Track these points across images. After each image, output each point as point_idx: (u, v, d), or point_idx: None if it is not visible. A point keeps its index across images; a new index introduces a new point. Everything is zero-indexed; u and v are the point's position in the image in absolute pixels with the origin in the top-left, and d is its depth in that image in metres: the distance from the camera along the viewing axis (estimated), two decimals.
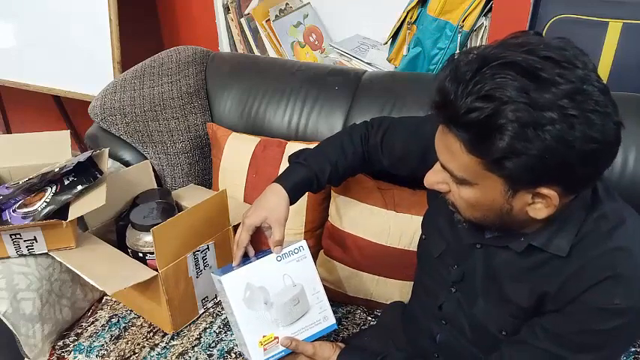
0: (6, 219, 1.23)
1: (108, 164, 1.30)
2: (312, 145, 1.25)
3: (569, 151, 0.67)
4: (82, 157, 1.26)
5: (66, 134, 1.37)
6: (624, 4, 1.40)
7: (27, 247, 1.19)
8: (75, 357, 1.22)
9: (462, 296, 0.94)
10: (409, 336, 1.11)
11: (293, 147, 1.37)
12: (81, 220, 1.29)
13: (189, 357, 1.21)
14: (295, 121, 1.48)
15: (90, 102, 1.53)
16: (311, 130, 1.47)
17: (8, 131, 2.65)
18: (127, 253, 1.28)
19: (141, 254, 1.27)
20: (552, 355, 0.80)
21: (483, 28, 1.58)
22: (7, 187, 1.26)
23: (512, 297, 0.85)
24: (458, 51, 1.57)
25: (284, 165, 1.37)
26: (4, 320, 1.14)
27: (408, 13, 1.65)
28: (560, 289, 0.78)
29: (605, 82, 0.70)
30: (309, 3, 2.03)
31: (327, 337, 1.11)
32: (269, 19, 1.93)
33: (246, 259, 1.04)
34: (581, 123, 0.66)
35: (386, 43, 1.77)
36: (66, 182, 1.23)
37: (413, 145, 1.03)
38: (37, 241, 1.19)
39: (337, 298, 1.32)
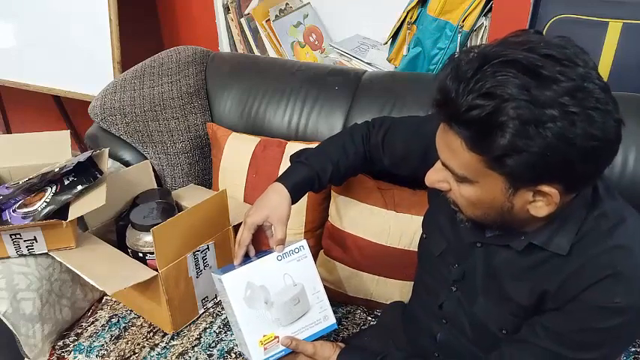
0: (6, 219, 1.23)
1: (108, 164, 1.30)
2: (312, 145, 1.25)
3: (570, 149, 0.67)
4: (82, 157, 1.25)
5: (66, 134, 1.37)
6: (624, 4, 1.40)
7: (27, 247, 1.19)
8: (75, 357, 1.22)
9: (462, 295, 0.94)
10: (409, 336, 1.11)
11: (293, 147, 1.37)
12: (81, 220, 1.29)
13: (189, 357, 1.21)
14: (295, 121, 1.48)
15: (90, 102, 1.53)
16: (311, 130, 1.47)
17: (8, 131, 2.65)
18: (127, 253, 1.28)
19: (141, 254, 1.27)
20: (552, 354, 0.80)
21: (483, 28, 1.58)
22: (7, 187, 1.26)
23: (512, 295, 0.85)
24: (458, 51, 1.57)
25: (284, 165, 1.37)
26: (4, 320, 1.14)
27: (408, 13, 1.65)
28: (560, 288, 0.79)
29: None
30: (309, 3, 2.03)
31: (327, 336, 1.11)
32: (269, 19, 1.94)
33: (246, 258, 1.04)
34: (582, 120, 0.66)
35: (386, 43, 1.77)
36: (66, 182, 1.23)
37: (414, 144, 1.03)
38: (37, 241, 1.19)
39: (337, 298, 1.32)
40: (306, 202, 1.35)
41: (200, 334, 1.26)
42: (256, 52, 1.98)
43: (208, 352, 1.22)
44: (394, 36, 1.72)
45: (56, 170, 1.22)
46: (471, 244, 0.90)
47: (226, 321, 1.28)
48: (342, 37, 1.99)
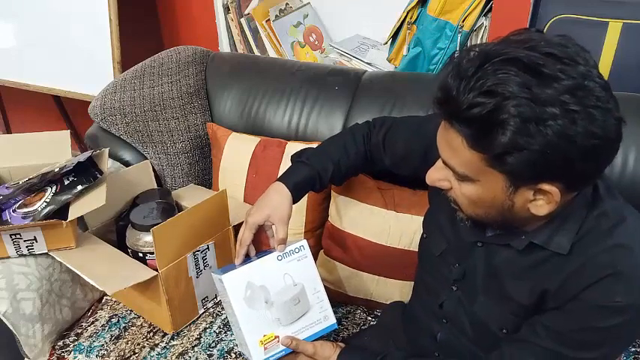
0: (6, 219, 1.23)
1: (108, 164, 1.30)
2: (312, 145, 1.25)
3: (570, 147, 0.67)
4: (82, 157, 1.25)
5: (66, 134, 1.37)
6: (624, 4, 1.40)
7: (27, 247, 1.19)
8: (75, 357, 1.22)
9: (462, 294, 0.94)
10: (409, 336, 1.11)
11: (293, 147, 1.37)
12: (81, 220, 1.29)
13: (189, 357, 1.21)
14: (295, 121, 1.48)
15: (90, 102, 1.53)
16: (311, 130, 1.47)
17: (8, 131, 2.65)
18: (127, 253, 1.28)
19: (141, 254, 1.27)
20: (553, 353, 0.81)
21: (483, 28, 1.59)
22: (7, 187, 1.26)
23: (513, 295, 0.85)
24: (458, 51, 1.57)
25: (284, 165, 1.37)
26: (4, 320, 1.14)
27: (408, 13, 1.65)
28: (560, 287, 0.79)
29: None
30: (309, 3, 2.03)
31: (327, 336, 1.11)
32: (269, 19, 1.94)
33: (246, 258, 1.04)
34: (582, 118, 0.66)
35: (386, 43, 1.77)
36: (66, 182, 1.23)
37: (415, 144, 1.03)
38: (37, 241, 1.19)
39: (337, 298, 1.32)
40: (306, 202, 1.35)
41: (200, 334, 1.26)
42: (256, 52, 1.98)
43: (208, 352, 1.22)
44: (394, 36, 1.72)
45: (56, 170, 1.22)
46: (471, 244, 0.90)
47: (226, 321, 1.28)
48: (342, 37, 1.99)
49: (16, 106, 2.58)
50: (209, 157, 1.57)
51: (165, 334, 1.26)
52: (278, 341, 1.00)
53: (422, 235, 1.05)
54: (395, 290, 1.28)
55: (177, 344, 1.24)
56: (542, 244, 0.80)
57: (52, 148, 1.33)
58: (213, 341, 1.24)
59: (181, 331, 1.27)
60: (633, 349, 1.16)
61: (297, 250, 1.04)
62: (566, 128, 0.66)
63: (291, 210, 1.06)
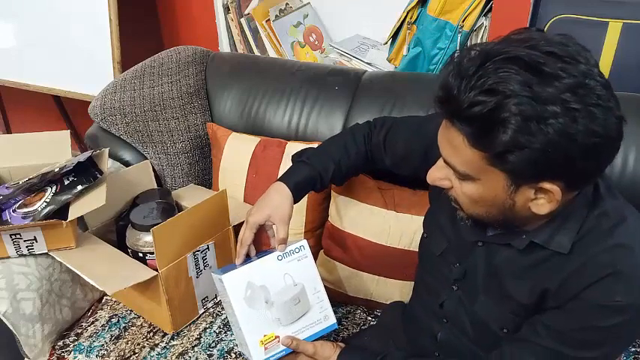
0: (6, 219, 1.23)
1: (108, 164, 1.30)
2: (313, 145, 1.25)
3: (571, 145, 0.67)
4: (82, 157, 1.25)
5: (66, 134, 1.37)
6: (624, 4, 1.40)
7: (27, 247, 1.19)
8: (75, 357, 1.22)
9: (463, 294, 0.94)
10: (409, 335, 1.11)
11: (293, 147, 1.37)
12: (81, 220, 1.29)
13: (189, 357, 1.21)
14: (295, 121, 1.48)
15: (90, 102, 1.53)
16: (311, 130, 1.47)
17: (8, 131, 2.65)
18: (127, 253, 1.28)
19: (141, 254, 1.27)
20: (553, 353, 0.81)
21: (483, 28, 1.59)
22: (7, 187, 1.25)
23: (513, 294, 0.85)
24: (458, 50, 1.57)
25: (284, 165, 1.37)
26: (4, 320, 1.14)
27: (408, 13, 1.65)
28: (561, 286, 0.79)
29: None
30: (309, 3, 2.03)
31: (327, 336, 1.11)
32: (269, 19, 1.94)
33: (247, 258, 1.04)
34: (583, 117, 0.66)
35: (386, 43, 1.77)
36: (66, 182, 1.23)
37: (415, 143, 1.04)
38: (37, 241, 1.19)
39: (337, 298, 1.32)
40: (306, 202, 1.35)
41: (200, 334, 1.26)
42: (256, 52, 1.98)
43: (208, 352, 1.22)
44: (394, 36, 1.72)
45: (56, 170, 1.22)
46: (472, 243, 0.90)
47: (226, 321, 1.28)
48: (342, 37, 1.99)
49: (16, 106, 2.58)
50: (209, 157, 1.57)
51: (165, 334, 1.26)
52: (278, 341, 1.00)
53: (422, 234, 1.05)
54: (395, 290, 1.28)
55: (177, 344, 1.24)
56: (542, 243, 0.80)
57: (52, 148, 1.33)
58: (213, 341, 1.24)
59: (181, 331, 1.27)
60: (633, 349, 1.16)
61: (297, 250, 1.04)
62: (567, 127, 0.66)
63: (292, 210, 1.06)
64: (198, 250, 1.23)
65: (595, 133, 0.67)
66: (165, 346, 1.23)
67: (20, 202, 1.23)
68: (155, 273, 1.16)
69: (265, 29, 1.94)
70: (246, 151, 1.43)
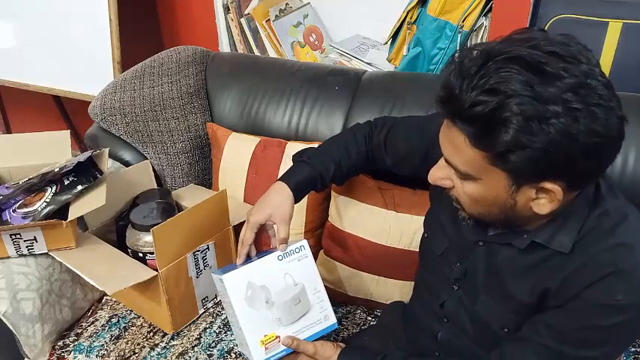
0: (6, 219, 1.23)
1: (108, 164, 1.30)
2: (313, 145, 1.25)
3: (572, 145, 0.67)
4: (82, 157, 1.25)
5: (66, 134, 1.37)
6: (624, 4, 1.40)
7: (27, 247, 1.19)
8: (75, 357, 1.22)
9: (464, 294, 0.94)
10: (410, 335, 1.11)
11: (293, 147, 1.37)
12: (81, 220, 1.29)
13: (189, 357, 1.21)
14: (295, 121, 1.48)
15: (90, 102, 1.53)
16: (311, 130, 1.47)
17: (8, 131, 2.65)
18: (127, 253, 1.28)
19: (141, 254, 1.26)
20: (554, 352, 0.81)
21: (483, 28, 1.59)
22: (7, 187, 1.25)
23: (514, 293, 0.85)
24: (458, 50, 1.57)
25: (284, 165, 1.37)
26: (4, 320, 1.14)
27: (408, 13, 1.65)
28: (562, 286, 0.79)
29: None
30: (309, 3, 2.03)
31: (327, 336, 1.11)
32: (269, 19, 1.94)
33: (247, 258, 1.04)
34: (585, 117, 0.66)
35: (386, 43, 1.77)
36: (66, 182, 1.23)
37: (416, 143, 1.04)
38: (37, 241, 1.19)
39: (337, 298, 1.32)
40: (306, 202, 1.35)
41: (200, 334, 1.26)
42: (256, 52, 1.98)
43: (208, 352, 1.22)
44: (394, 36, 1.72)
45: (56, 170, 1.22)
46: (473, 243, 0.90)
47: (226, 321, 1.28)
48: (342, 37, 1.99)
49: (16, 106, 2.58)
50: (209, 157, 1.57)
51: (165, 334, 1.26)
52: (279, 341, 1.00)
53: (423, 234, 1.05)
54: (395, 290, 1.28)
55: (177, 344, 1.24)
56: (544, 242, 0.80)
57: (52, 148, 1.33)
58: (213, 341, 1.24)
59: (181, 331, 1.27)
60: (633, 349, 1.16)
61: (297, 250, 1.04)
62: (569, 126, 0.66)
63: (293, 209, 1.06)
64: (198, 250, 1.23)
65: (596, 133, 0.67)
66: (165, 346, 1.23)
67: (20, 202, 1.23)
68: (155, 273, 1.16)
69: (265, 29, 1.94)
70: (246, 151, 1.43)
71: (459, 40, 1.58)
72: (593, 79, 0.67)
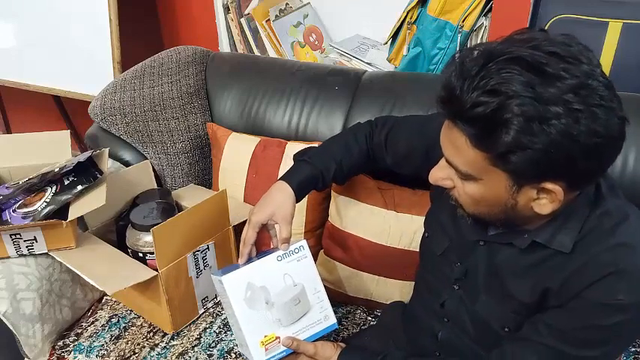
0: (6, 219, 1.23)
1: (108, 164, 1.30)
2: (313, 145, 1.25)
3: (573, 145, 0.67)
4: (82, 157, 1.25)
5: (66, 134, 1.37)
6: (624, 4, 1.40)
7: (27, 247, 1.19)
8: (75, 357, 1.22)
9: (464, 293, 0.94)
10: (410, 335, 1.11)
11: (293, 147, 1.37)
12: (81, 220, 1.29)
13: (189, 357, 1.21)
14: (295, 121, 1.48)
15: (90, 102, 1.53)
16: (311, 130, 1.47)
17: (8, 131, 2.65)
18: (127, 253, 1.28)
19: (141, 254, 1.27)
20: (555, 351, 0.81)
21: (483, 28, 1.59)
22: (7, 187, 1.25)
23: (514, 293, 0.85)
24: (458, 50, 1.57)
25: (284, 165, 1.37)
26: (4, 320, 1.14)
27: (408, 13, 1.65)
28: (562, 285, 0.79)
29: None
30: (309, 3, 2.03)
31: (327, 336, 1.11)
32: (269, 19, 1.94)
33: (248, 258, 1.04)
34: (586, 117, 0.66)
35: (386, 43, 1.77)
36: (66, 182, 1.23)
37: (417, 143, 1.04)
38: (37, 241, 1.19)
39: (337, 298, 1.32)
40: (306, 202, 1.35)
41: (200, 334, 1.26)
42: (256, 52, 1.98)
43: (208, 352, 1.22)
44: (394, 36, 1.72)
45: (56, 170, 1.22)
46: (473, 243, 0.90)
47: (226, 321, 1.28)
48: (342, 37, 1.99)
49: (16, 106, 2.58)
50: (209, 157, 1.57)
51: (165, 334, 1.26)
52: (279, 342, 1.00)
53: (424, 234, 1.05)
54: (395, 290, 1.28)
55: (177, 344, 1.24)
56: (544, 242, 0.80)
57: (52, 148, 1.33)
58: (213, 341, 1.24)
59: (181, 331, 1.27)
60: (633, 349, 1.16)
61: (296, 251, 1.04)
62: (570, 127, 0.66)
63: (294, 209, 1.06)
64: (198, 250, 1.23)
65: (597, 134, 0.67)
66: (165, 346, 1.23)
67: (20, 202, 1.23)
68: (155, 273, 1.16)
69: (265, 29, 1.94)
70: (246, 151, 1.43)
71: (459, 40, 1.58)
72: (594, 80, 0.67)
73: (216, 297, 1.33)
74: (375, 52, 1.84)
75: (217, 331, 1.27)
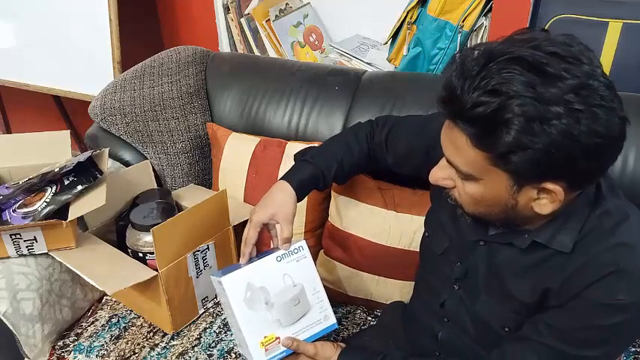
0: (6, 219, 1.23)
1: (108, 164, 1.30)
2: (313, 145, 1.25)
3: (574, 146, 0.67)
4: (82, 157, 1.25)
5: (66, 134, 1.37)
6: (624, 4, 1.40)
7: (27, 247, 1.19)
8: (75, 357, 1.22)
9: (464, 293, 0.94)
10: (410, 335, 1.11)
11: (293, 147, 1.37)
12: (81, 220, 1.29)
13: (189, 357, 1.21)
14: (295, 121, 1.48)
15: (90, 102, 1.53)
16: (311, 130, 1.47)
17: (8, 131, 2.65)
18: (127, 253, 1.28)
19: (141, 254, 1.27)
20: (555, 351, 0.81)
21: (483, 28, 1.59)
22: (7, 187, 1.25)
23: (514, 293, 0.85)
24: (458, 51, 1.57)
25: (284, 165, 1.37)
26: (4, 320, 1.14)
27: (408, 13, 1.65)
28: (563, 285, 0.79)
29: None
30: (309, 3, 2.03)
31: (327, 336, 1.11)
32: (269, 19, 1.94)
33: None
34: (586, 117, 0.66)
35: (386, 43, 1.77)
36: (66, 182, 1.23)
37: (417, 143, 1.04)
38: (37, 241, 1.19)
39: (337, 298, 1.32)
40: (306, 202, 1.35)
41: (200, 334, 1.26)
42: (256, 52, 1.98)
43: (208, 352, 1.22)
44: (394, 36, 1.72)
45: (56, 170, 1.22)
46: (473, 242, 0.90)
47: (226, 321, 1.28)
48: (342, 37, 1.99)
49: (16, 106, 2.58)
50: (209, 157, 1.57)
51: (165, 334, 1.26)
52: (279, 342, 1.00)
53: (424, 233, 1.05)
54: (395, 290, 1.28)
55: (177, 344, 1.24)
56: (545, 242, 0.80)
57: (52, 148, 1.33)
58: (213, 341, 1.24)
59: (181, 331, 1.27)
60: (633, 349, 1.16)
61: (296, 251, 1.04)
62: (571, 127, 0.66)
63: (296, 208, 1.06)
64: (198, 250, 1.23)
65: (598, 134, 0.67)
66: (165, 346, 1.23)
67: (20, 202, 1.23)
68: (155, 273, 1.16)
69: (265, 29, 1.94)
70: (246, 151, 1.43)
71: (459, 40, 1.58)
72: (594, 80, 0.67)
73: (216, 297, 1.33)
74: (375, 52, 1.84)
75: (217, 331, 1.27)
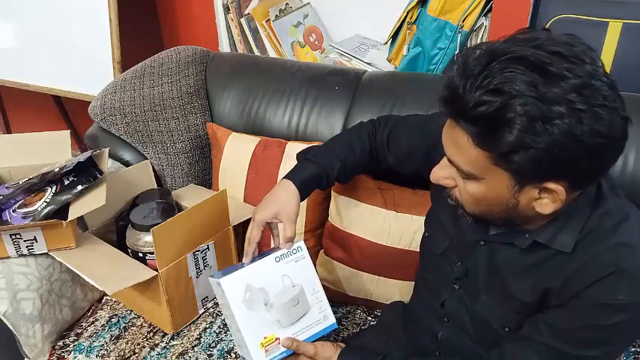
0: (6, 219, 1.23)
1: (108, 164, 1.30)
2: (314, 145, 1.25)
3: (576, 145, 0.67)
4: (82, 157, 1.25)
5: (66, 134, 1.37)
6: (624, 4, 1.40)
7: (27, 247, 1.19)
8: (75, 357, 1.22)
9: (464, 293, 0.94)
10: (410, 335, 1.11)
11: (293, 147, 1.37)
12: (81, 220, 1.29)
13: (189, 357, 1.21)
14: (295, 121, 1.48)
15: (90, 102, 1.53)
16: (311, 130, 1.47)
17: (8, 131, 2.64)
18: (127, 253, 1.28)
19: (141, 254, 1.27)
20: (555, 351, 0.81)
21: (483, 28, 1.58)
22: (7, 187, 1.25)
23: (515, 293, 0.85)
24: (458, 51, 1.57)
25: (284, 165, 1.37)
26: (4, 320, 1.14)
27: (408, 13, 1.65)
28: (563, 285, 0.79)
29: None
30: (309, 3, 2.03)
31: (327, 336, 1.11)
32: (269, 19, 1.94)
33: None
34: (588, 117, 0.66)
35: (386, 43, 1.77)
36: (66, 182, 1.23)
37: (418, 142, 1.04)
38: (37, 241, 1.19)
39: (337, 298, 1.32)
40: (306, 202, 1.35)
41: (200, 334, 1.26)
42: (256, 52, 1.98)
43: (208, 352, 1.22)
44: (394, 36, 1.72)
45: (56, 170, 1.22)
46: (474, 242, 0.90)
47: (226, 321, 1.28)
48: (342, 37, 1.99)
49: (16, 106, 2.58)
50: (209, 157, 1.57)
51: (165, 334, 1.26)
52: (278, 343, 1.00)
53: (424, 233, 1.05)
54: (395, 290, 1.28)
55: (177, 344, 1.24)
56: (546, 242, 0.80)
57: (52, 148, 1.33)
58: (213, 341, 1.24)
59: (181, 331, 1.27)
60: (633, 349, 1.17)
61: (295, 251, 1.04)
62: (573, 127, 0.66)
63: (299, 208, 1.05)
64: (198, 250, 1.23)
65: (600, 134, 0.67)
66: (165, 346, 1.23)
67: (20, 202, 1.23)
68: (155, 273, 1.16)
69: (265, 29, 1.94)
70: (246, 151, 1.43)
71: (459, 40, 1.58)
72: (597, 80, 0.67)
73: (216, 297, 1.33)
74: (375, 52, 1.84)
75: (217, 331, 1.27)
